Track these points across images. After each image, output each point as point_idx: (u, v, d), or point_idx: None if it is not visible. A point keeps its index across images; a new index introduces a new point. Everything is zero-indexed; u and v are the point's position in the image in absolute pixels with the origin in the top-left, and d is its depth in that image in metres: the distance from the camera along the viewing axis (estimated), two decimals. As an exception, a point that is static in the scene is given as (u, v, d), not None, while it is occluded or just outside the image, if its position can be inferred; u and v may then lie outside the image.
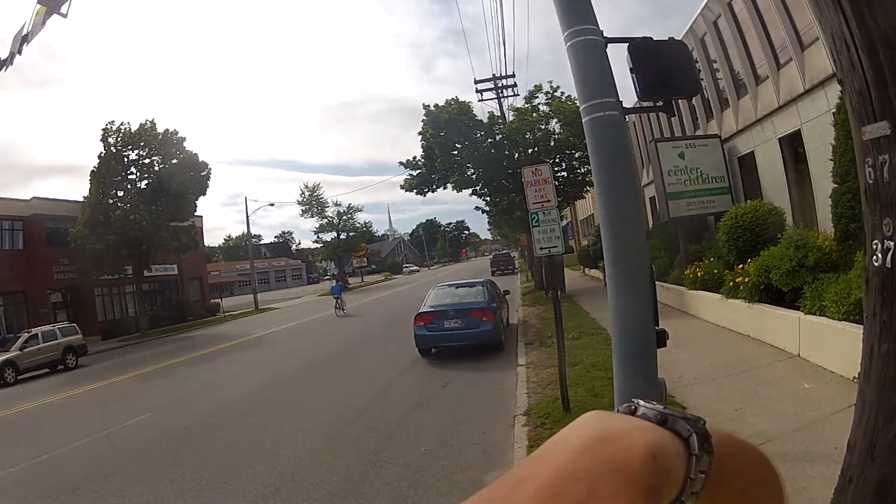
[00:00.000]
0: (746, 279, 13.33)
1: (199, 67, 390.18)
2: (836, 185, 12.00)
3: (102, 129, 40.60)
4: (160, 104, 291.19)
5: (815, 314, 10.37)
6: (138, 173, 41.17)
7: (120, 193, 40.40)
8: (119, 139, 40.51)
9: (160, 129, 41.66)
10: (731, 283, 14.10)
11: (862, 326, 1.76)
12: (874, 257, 1.63)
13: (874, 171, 1.60)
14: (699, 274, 16.83)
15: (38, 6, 6.27)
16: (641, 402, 0.68)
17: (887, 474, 1.57)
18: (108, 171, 39.48)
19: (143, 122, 41.55)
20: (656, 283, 13.28)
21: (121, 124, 40.96)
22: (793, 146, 18.57)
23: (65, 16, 6.41)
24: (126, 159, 40.67)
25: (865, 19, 1.53)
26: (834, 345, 9.39)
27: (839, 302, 9.52)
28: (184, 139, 42.70)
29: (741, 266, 14.26)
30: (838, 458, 1.84)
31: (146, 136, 40.75)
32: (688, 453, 0.62)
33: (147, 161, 41.19)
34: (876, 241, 1.62)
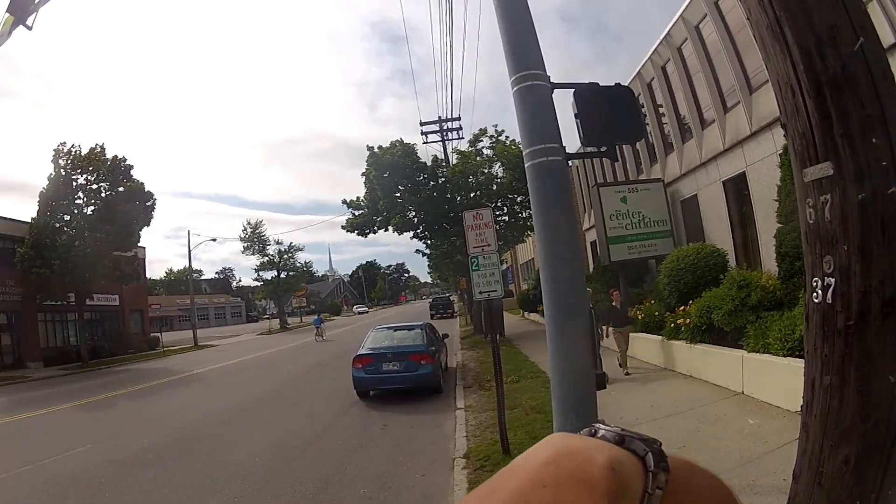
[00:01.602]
0: (688, 320, 13.55)
1: (146, 93, 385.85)
2: (780, 225, 12.37)
3: (54, 150, 39.85)
4: (107, 127, 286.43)
5: (758, 352, 10.61)
6: (85, 198, 40.25)
7: (67, 218, 39.52)
8: (69, 162, 39.80)
9: (109, 156, 41.07)
10: (672, 325, 14.33)
11: (806, 361, 1.81)
12: (814, 294, 1.69)
13: (815, 211, 1.66)
14: (640, 316, 17.04)
15: (7, 16, 6.22)
16: (601, 426, 0.72)
17: (836, 499, 1.61)
18: (56, 194, 38.82)
19: (94, 146, 40.88)
20: (597, 326, 13.56)
21: (71, 146, 40.31)
22: (737, 188, 19.00)
23: (30, 28, 6.38)
24: (74, 183, 39.86)
25: (814, 62, 1.60)
26: (779, 380, 9.58)
27: (783, 339, 9.77)
28: (131, 167, 42.05)
29: (682, 308, 14.48)
30: (787, 490, 1.88)
31: (95, 161, 40.06)
32: (644, 470, 0.65)
33: (95, 187, 40.36)
34: (816, 279, 1.67)
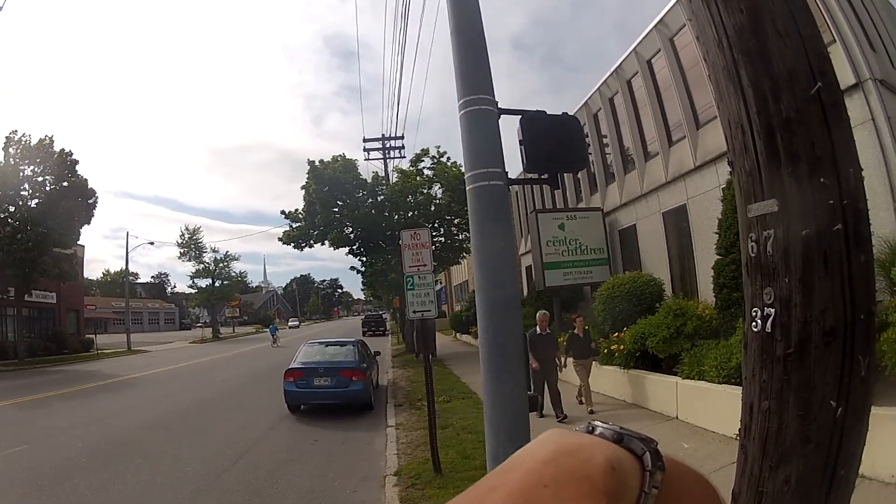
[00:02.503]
0: (622, 347, 13.73)
1: (93, 87, 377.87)
2: (719, 257, 12.64)
3: (6, 138, 38.72)
4: (51, 118, 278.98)
5: (693, 378, 10.80)
6: (31, 190, 39.29)
7: (11, 209, 38.34)
8: (19, 151, 38.76)
9: (57, 148, 40.06)
10: (606, 351, 14.49)
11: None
12: (753, 323, 1.76)
13: (757, 244, 1.73)
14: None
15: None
16: (598, 423, 0.73)
17: None
18: (3, 183, 37.63)
19: (43, 137, 39.90)
20: (556, 356, 13.77)
21: (22, 135, 39.23)
22: (677, 220, 19.37)
23: (0, 7, 6.31)
24: (21, 174, 38.79)
25: (767, 104, 1.68)
26: (713, 406, 9.80)
27: (719, 366, 10.02)
28: (77, 162, 40.95)
29: (617, 334, 14.67)
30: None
31: (43, 153, 39.12)
32: (642, 469, 0.67)
33: (40, 179, 39.39)
34: (756, 309, 1.75)
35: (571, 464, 0.61)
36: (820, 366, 1.62)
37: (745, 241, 1.80)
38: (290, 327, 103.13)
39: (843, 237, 1.60)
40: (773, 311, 1.69)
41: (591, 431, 0.71)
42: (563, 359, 14.21)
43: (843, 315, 1.60)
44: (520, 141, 4.62)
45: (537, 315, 14.13)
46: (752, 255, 1.77)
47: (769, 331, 1.70)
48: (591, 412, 13.36)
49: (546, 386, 13.31)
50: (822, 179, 1.61)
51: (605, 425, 0.72)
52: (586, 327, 14.96)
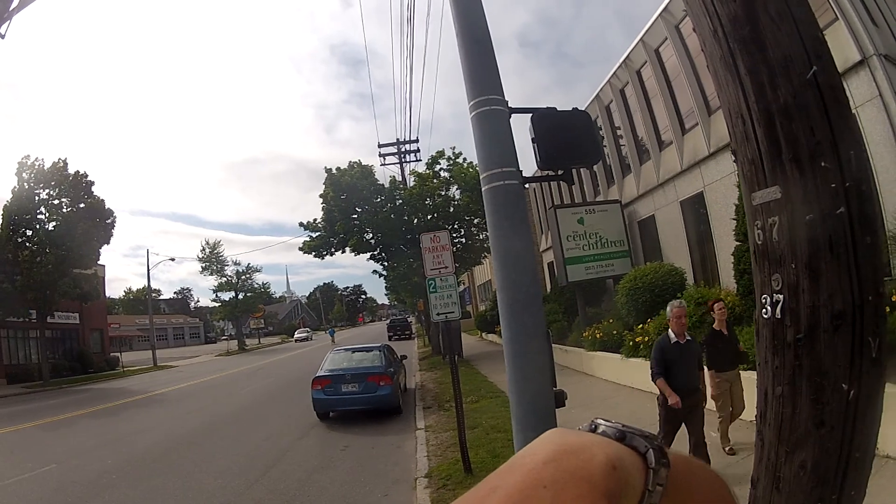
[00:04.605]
0: (646, 338, 13.63)
1: (107, 109, 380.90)
2: (738, 243, 12.50)
3: (18, 163, 38.99)
4: (68, 141, 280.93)
5: (719, 367, 10.71)
6: (48, 214, 39.41)
7: (29, 233, 38.60)
8: (32, 175, 38.95)
9: (71, 171, 40.20)
10: (631, 343, 14.41)
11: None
12: (763, 310, 1.76)
13: (763, 232, 1.74)
14: (598, 335, 17.16)
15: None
16: (601, 421, 0.72)
17: (795, 502, 1.69)
18: (19, 208, 37.95)
19: (56, 160, 40.11)
20: (555, 345, 13.22)
21: (35, 160, 39.46)
22: (695, 208, 19.28)
23: (2, 36, 6.35)
24: (37, 197, 39.03)
25: (765, 92, 1.68)
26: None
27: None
28: (92, 183, 41.13)
29: (641, 326, 14.58)
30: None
31: (57, 176, 39.30)
32: (645, 467, 0.66)
33: (56, 202, 39.53)
34: (765, 296, 1.75)
35: (572, 464, 0.61)
36: (830, 350, 1.62)
37: (752, 229, 1.81)
38: (296, 340, 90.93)
39: (848, 220, 1.60)
40: (781, 297, 1.70)
41: (594, 430, 0.70)
42: (704, 376, 8.64)
43: (851, 298, 1.60)
44: (532, 139, 4.60)
45: (671, 308, 8.22)
46: (759, 242, 1.77)
47: (779, 317, 1.71)
48: (731, 452, 8.90)
49: (689, 431, 8.06)
50: (823, 163, 1.61)
51: (607, 423, 0.71)
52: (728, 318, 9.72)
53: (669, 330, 8.19)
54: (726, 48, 1.77)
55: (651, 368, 8.04)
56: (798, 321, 1.66)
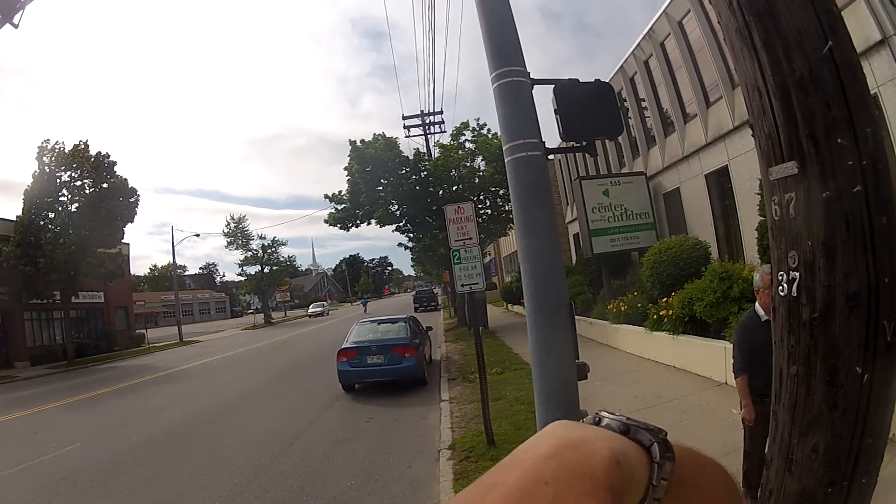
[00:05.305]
0: (670, 312, 13.60)
1: (129, 90, 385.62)
2: (762, 218, 12.36)
3: (38, 148, 39.43)
4: (90, 123, 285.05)
5: (741, 342, 10.65)
6: (69, 195, 39.79)
7: (51, 215, 39.01)
8: (53, 159, 39.41)
9: (92, 152, 40.55)
10: (655, 317, 14.37)
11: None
12: (780, 287, 1.74)
13: (780, 208, 1.71)
14: (623, 308, 17.10)
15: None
16: (605, 413, 0.72)
17: (807, 485, 1.67)
18: (40, 192, 38.39)
19: (77, 143, 40.44)
20: (579, 318, 13.15)
21: (55, 143, 39.90)
22: (719, 181, 19.17)
23: (16, 26, 6.38)
24: (59, 180, 39.44)
25: (781, 65, 1.64)
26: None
27: (767, 329, 9.77)
28: (115, 163, 41.54)
29: (665, 300, 14.54)
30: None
31: (79, 158, 39.64)
32: (650, 461, 0.66)
33: (78, 184, 39.93)
34: (781, 273, 1.73)
35: (574, 459, 0.60)
36: (845, 331, 1.59)
37: (769, 204, 1.78)
38: (310, 315, 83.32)
39: (864, 199, 1.56)
40: (797, 274, 1.67)
41: (598, 423, 0.70)
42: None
43: (867, 279, 1.56)
44: (554, 110, 4.55)
45: (760, 276, 5.84)
46: (776, 218, 1.75)
47: (795, 295, 1.68)
48: None
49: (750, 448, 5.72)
50: (839, 140, 1.58)
51: (611, 416, 0.71)
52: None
53: (757, 304, 5.87)
54: (741, 20, 1.73)
55: (733, 359, 5.91)
56: (814, 300, 1.63)
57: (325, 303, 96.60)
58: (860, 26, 11.71)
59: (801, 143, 1.63)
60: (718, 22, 1.90)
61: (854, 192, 1.56)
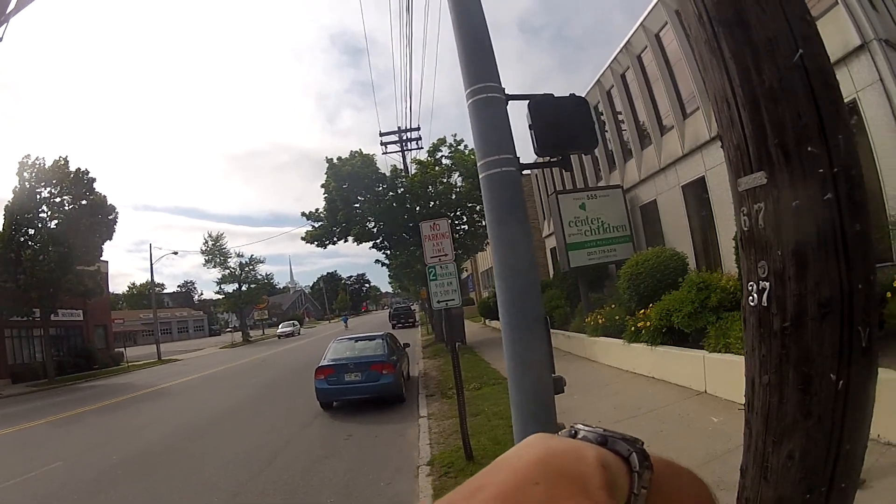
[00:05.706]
0: (648, 323, 13.64)
1: (107, 105, 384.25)
2: (740, 228, 12.45)
3: (18, 163, 39.37)
4: (69, 139, 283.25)
5: (720, 351, 10.71)
6: (49, 212, 39.72)
7: (31, 231, 38.89)
8: (33, 175, 39.29)
9: (72, 168, 40.50)
10: (633, 328, 14.40)
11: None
12: (750, 298, 1.74)
13: (749, 218, 1.71)
14: (600, 321, 17.14)
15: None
16: (581, 426, 0.72)
17: (783, 492, 1.68)
18: (21, 207, 38.18)
19: (57, 158, 40.45)
20: (557, 331, 13.28)
21: (36, 159, 39.81)
22: (696, 192, 19.30)
23: (0, 39, 6.35)
24: (39, 196, 39.38)
25: (750, 76, 1.65)
26: (742, 379, 9.65)
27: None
28: (94, 179, 41.43)
29: (643, 311, 14.57)
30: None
31: (59, 174, 39.59)
32: (629, 470, 0.66)
33: (58, 200, 39.87)
34: (751, 283, 1.73)
35: (561, 463, 0.60)
36: (817, 338, 1.59)
37: (738, 215, 1.78)
38: (279, 336, 79.20)
39: (836, 206, 1.56)
40: (767, 284, 1.67)
41: (574, 435, 0.70)
42: None
43: (840, 286, 1.57)
44: (529, 126, 4.61)
45: None
46: (745, 229, 1.75)
47: (765, 304, 1.69)
48: None
49: None
50: (809, 148, 1.58)
51: (588, 428, 0.71)
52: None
53: None
54: (710, 31, 1.74)
55: None
56: (784, 309, 1.64)
57: (295, 322, 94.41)
58: (840, 32, 11.95)
59: (770, 154, 1.63)
60: (687, 35, 1.92)
61: (825, 199, 1.56)
